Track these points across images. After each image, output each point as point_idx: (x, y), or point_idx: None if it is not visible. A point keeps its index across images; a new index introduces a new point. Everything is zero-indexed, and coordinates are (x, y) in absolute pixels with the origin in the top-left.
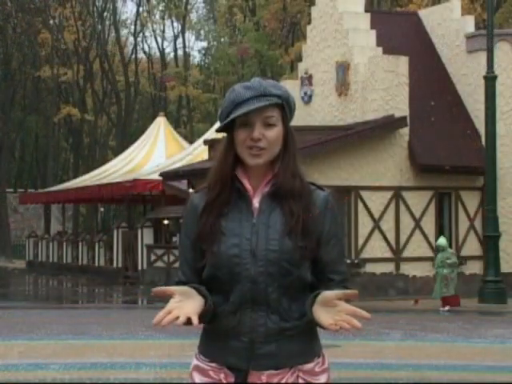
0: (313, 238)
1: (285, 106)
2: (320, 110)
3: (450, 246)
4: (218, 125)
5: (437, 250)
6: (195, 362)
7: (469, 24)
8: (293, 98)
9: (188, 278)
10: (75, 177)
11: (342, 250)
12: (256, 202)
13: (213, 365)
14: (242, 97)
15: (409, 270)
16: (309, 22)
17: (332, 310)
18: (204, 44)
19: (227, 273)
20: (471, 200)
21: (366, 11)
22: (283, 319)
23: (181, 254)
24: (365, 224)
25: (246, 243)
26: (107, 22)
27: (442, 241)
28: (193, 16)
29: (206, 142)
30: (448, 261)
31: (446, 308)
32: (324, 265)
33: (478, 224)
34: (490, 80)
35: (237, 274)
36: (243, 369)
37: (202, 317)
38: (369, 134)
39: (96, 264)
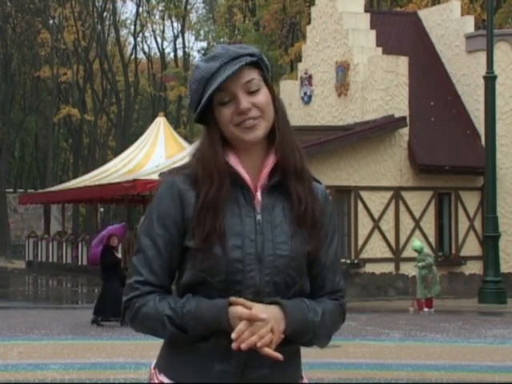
0: (320, 234)
1: (261, 64)
2: (320, 110)
3: (450, 246)
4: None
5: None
6: None
7: (468, 24)
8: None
9: (159, 280)
10: (75, 177)
11: (337, 255)
12: (258, 194)
13: None
14: (211, 69)
15: (408, 270)
16: (308, 22)
17: None
18: (204, 44)
19: (223, 281)
20: (471, 200)
21: (366, 11)
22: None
23: (147, 248)
24: (364, 224)
25: (249, 245)
26: (107, 22)
27: (416, 244)
28: (192, 16)
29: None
30: (419, 264)
31: (430, 310)
32: (318, 270)
33: (477, 224)
34: (490, 80)
35: (237, 282)
36: None
37: None
38: (368, 135)
39: None
